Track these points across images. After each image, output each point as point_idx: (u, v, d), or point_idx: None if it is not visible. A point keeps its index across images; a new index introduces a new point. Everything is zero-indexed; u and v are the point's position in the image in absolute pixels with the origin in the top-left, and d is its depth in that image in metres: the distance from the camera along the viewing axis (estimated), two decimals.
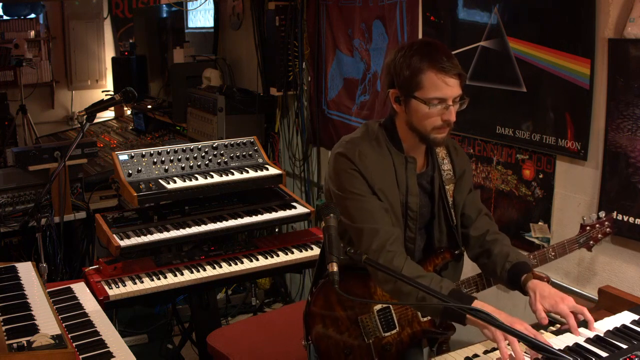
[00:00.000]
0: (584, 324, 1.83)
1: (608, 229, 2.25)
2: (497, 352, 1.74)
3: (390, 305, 2.10)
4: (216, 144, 3.47)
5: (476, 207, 2.18)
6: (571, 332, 1.79)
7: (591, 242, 2.25)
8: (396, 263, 1.90)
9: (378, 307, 2.11)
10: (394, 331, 2.09)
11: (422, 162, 2.12)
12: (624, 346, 1.70)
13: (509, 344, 1.67)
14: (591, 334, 1.78)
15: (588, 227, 2.24)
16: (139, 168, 3.18)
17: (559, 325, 1.85)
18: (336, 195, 2.04)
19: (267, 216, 3.30)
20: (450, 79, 1.89)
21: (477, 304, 1.78)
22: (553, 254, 2.18)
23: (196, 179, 3.22)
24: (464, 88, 1.95)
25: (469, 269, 2.29)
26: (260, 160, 3.49)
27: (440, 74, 1.88)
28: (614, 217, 2.29)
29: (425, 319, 2.12)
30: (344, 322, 2.08)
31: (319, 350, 2.08)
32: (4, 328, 1.75)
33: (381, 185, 2.00)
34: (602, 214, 2.25)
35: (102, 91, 7.23)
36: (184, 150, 3.35)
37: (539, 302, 1.86)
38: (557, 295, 1.87)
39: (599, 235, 2.24)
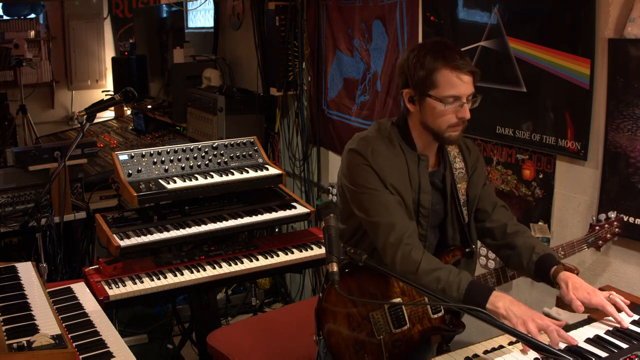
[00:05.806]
0: (587, 322, 1.84)
1: (617, 229, 2.26)
2: (497, 352, 1.74)
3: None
4: (216, 144, 3.47)
5: (491, 200, 2.19)
6: (614, 321, 1.83)
7: (600, 242, 2.26)
8: (414, 256, 1.92)
9: None
10: (405, 327, 2.10)
11: (434, 160, 2.14)
12: (624, 346, 1.70)
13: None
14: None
15: (597, 227, 2.25)
16: (139, 168, 3.18)
17: None
18: (350, 190, 2.05)
19: (267, 216, 3.30)
20: (465, 75, 1.92)
21: (495, 296, 1.81)
22: (562, 253, 2.19)
23: (196, 179, 3.21)
24: (476, 86, 1.96)
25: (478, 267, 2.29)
26: (260, 160, 3.49)
27: (455, 72, 1.91)
28: (623, 217, 2.30)
29: (435, 315, 2.13)
30: (355, 318, 2.09)
31: (330, 345, 2.09)
32: (4, 328, 1.75)
33: (393, 181, 2.01)
34: (612, 215, 2.27)
35: (102, 91, 7.23)
36: (184, 150, 3.35)
37: (571, 292, 1.87)
38: (588, 287, 1.89)
39: (608, 235, 2.26)
